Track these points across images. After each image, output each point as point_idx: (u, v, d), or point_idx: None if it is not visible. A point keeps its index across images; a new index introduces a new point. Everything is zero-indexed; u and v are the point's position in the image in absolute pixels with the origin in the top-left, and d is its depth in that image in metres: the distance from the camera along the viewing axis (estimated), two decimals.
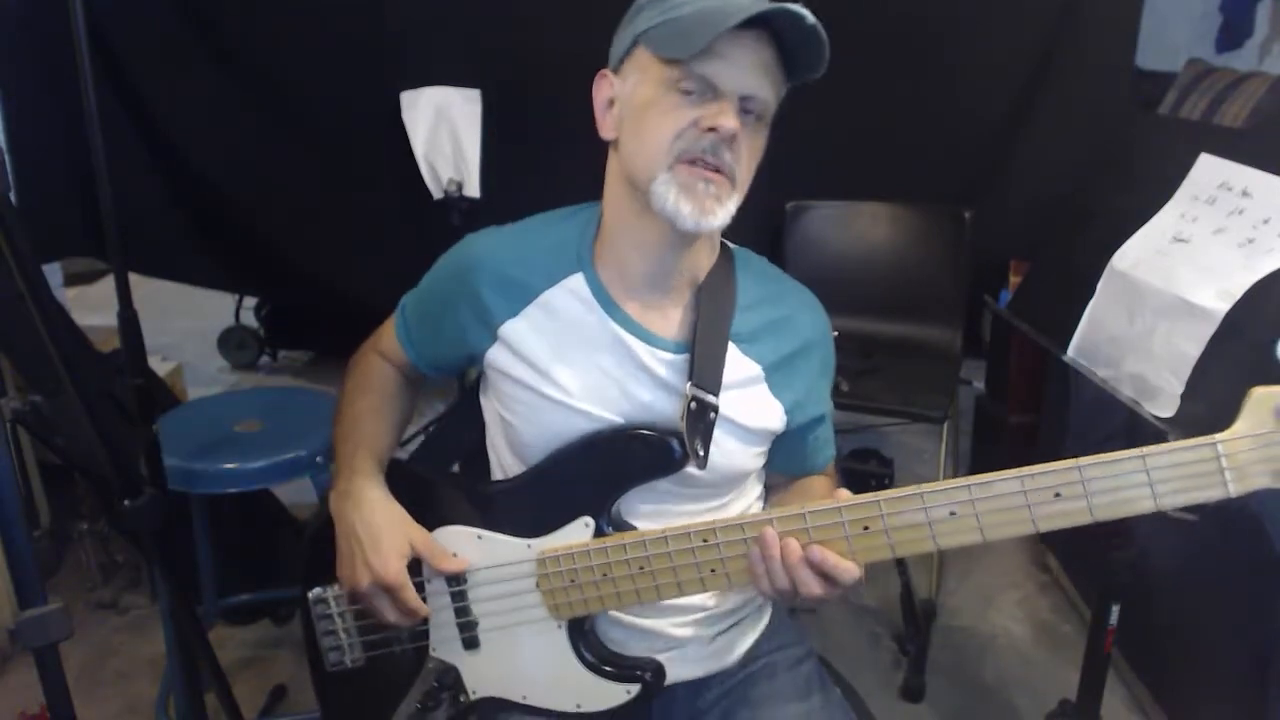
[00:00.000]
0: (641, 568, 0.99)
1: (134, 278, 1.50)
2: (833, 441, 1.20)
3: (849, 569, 0.90)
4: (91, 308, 2.97)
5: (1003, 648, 2.20)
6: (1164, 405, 1.15)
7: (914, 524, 0.88)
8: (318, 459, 1.79)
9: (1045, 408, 2.54)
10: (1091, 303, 1.28)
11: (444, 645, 1.11)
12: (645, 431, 1.03)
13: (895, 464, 2.15)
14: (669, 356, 1.04)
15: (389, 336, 1.21)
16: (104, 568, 2.36)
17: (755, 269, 1.12)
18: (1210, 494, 0.84)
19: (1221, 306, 1.09)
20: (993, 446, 2.78)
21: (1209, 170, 1.22)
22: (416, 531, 1.07)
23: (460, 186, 2.44)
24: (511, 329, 1.06)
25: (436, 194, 2.46)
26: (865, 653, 2.17)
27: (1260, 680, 1.57)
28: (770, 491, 1.20)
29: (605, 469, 1.04)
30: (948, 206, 2.47)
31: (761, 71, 0.95)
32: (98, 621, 2.27)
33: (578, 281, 1.06)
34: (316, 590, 1.13)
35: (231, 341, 3.87)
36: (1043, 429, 2.55)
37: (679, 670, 1.10)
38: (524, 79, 2.45)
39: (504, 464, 1.13)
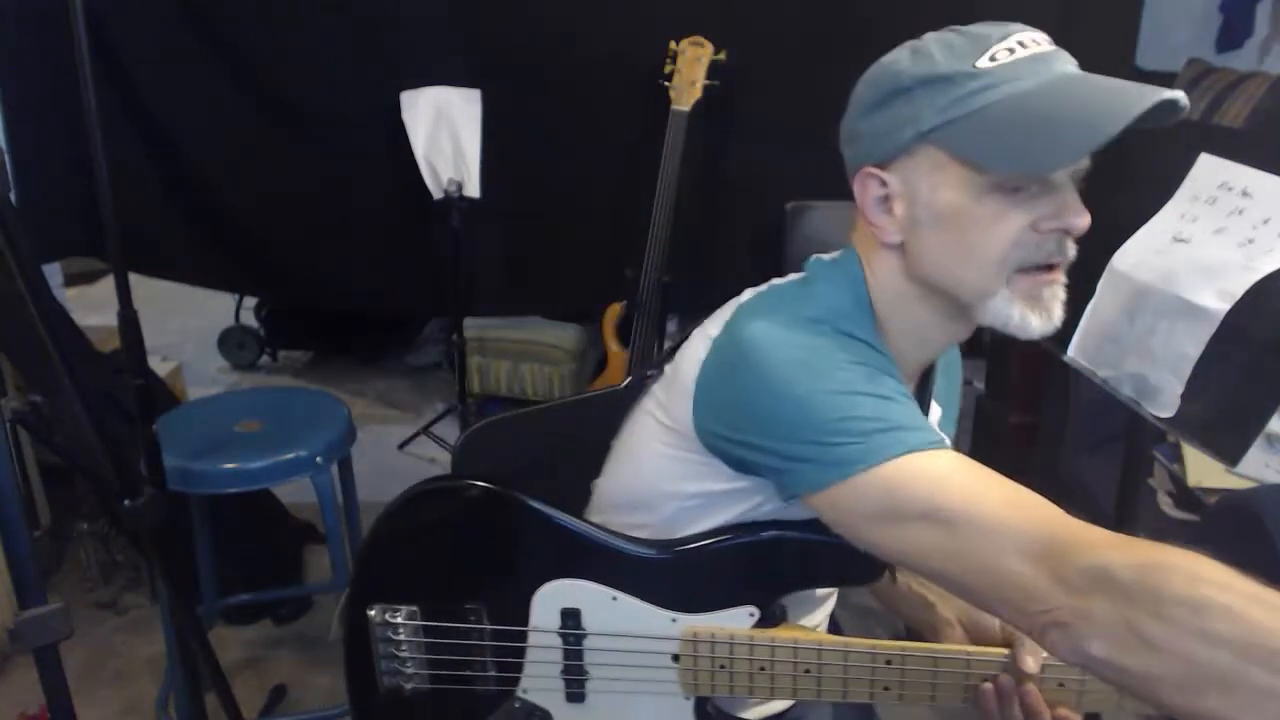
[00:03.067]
0: (807, 670, 0.95)
1: (134, 278, 1.50)
2: None
3: None
4: (91, 308, 2.97)
5: None
6: (1164, 405, 1.15)
7: (1107, 691, 0.88)
8: (318, 459, 1.79)
9: (1045, 408, 2.54)
10: (1091, 303, 1.28)
11: (539, 691, 1.05)
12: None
13: None
14: None
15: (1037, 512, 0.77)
16: (104, 568, 2.36)
17: None
18: None
19: (1221, 306, 1.09)
20: (993, 446, 2.77)
21: (1209, 170, 1.21)
22: None
23: (460, 186, 2.44)
24: None
25: (436, 194, 2.46)
26: None
27: None
28: None
29: (797, 567, 0.97)
30: None
31: None
32: (98, 621, 2.27)
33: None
34: (378, 611, 1.05)
35: (231, 341, 3.88)
36: (1043, 429, 2.55)
37: (775, 705, 1.09)
38: (524, 79, 2.45)
39: (680, 527, 0.99)
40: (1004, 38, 0.82)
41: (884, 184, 0.87)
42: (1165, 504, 1.98)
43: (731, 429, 0.88)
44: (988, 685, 0.91)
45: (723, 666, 0.98)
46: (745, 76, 2.34)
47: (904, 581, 1.16)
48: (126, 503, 1.18)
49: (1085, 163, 0.83)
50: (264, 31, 2.43)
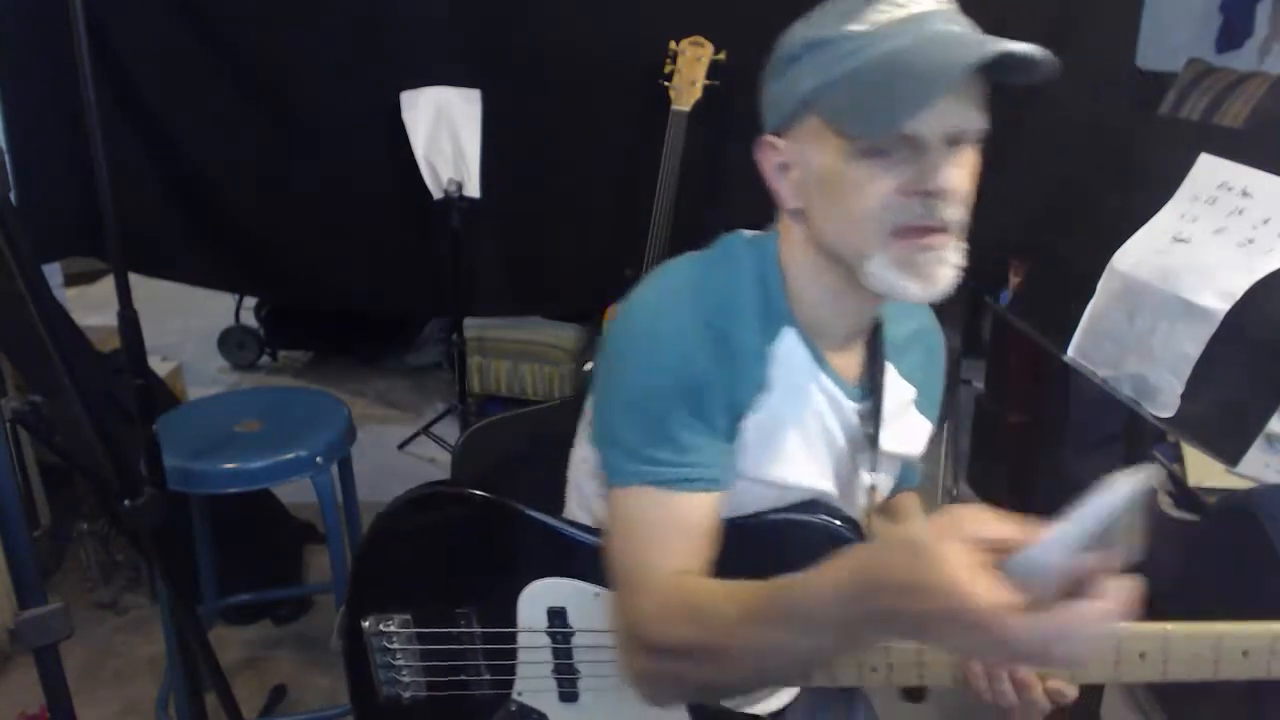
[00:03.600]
0: None
1: (134, 278, 1.50)
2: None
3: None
4: (91, 308, 2.97)
5: None
6: (1164, 405, 1.15)
7: (1100, 661, 0.85)
8: (318, 459, 1.79)
9: (1045, 408, 2.54)
10: (1091, 303, 1.28)
11: (534, 693, 1.05)
12: (835, 527, 0.94)
13: None
14: (857, 405, 0.97)
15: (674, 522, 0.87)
16: (104, 568, 2.36)
17: None
18: None
19: (1221, 306, 1.09)
20: (993, 446, 2.77)
21: (1209, 170, 1.21)
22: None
23: (460, 186, 2.44)
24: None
25: (436, 194, 2.46)
26: None
27: (1258, 679, 1.57)
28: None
29: (773, 554, 0.90)
30: None
31: (965, 100, 0.80)
32: (98, 621, 2.27)
33: (791, 338, 0.93)
34: (372, 622, 1.06)
35: (231, 341, 3.87)
36: (1043, 429, 2.55)
37: (772, 704, 1.08)
38: (524, 79, 2.45)
39: None
40: None
41: (780, 151, 0.88)
42: (1165, 504, 1.98)
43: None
44: (975, 662, 0.89)
45: None
46: (745, 76, 2.32)
47: None
48: (126, 503, 1.18)
49: (968, 123, 0.81)
50: (264, 31, 2.42)
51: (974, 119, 0.82)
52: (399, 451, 3.17)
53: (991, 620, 0.57)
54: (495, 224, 2.57)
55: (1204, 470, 1.92)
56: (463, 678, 1.06)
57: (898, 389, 1.01)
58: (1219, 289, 1.11)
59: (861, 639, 0.70)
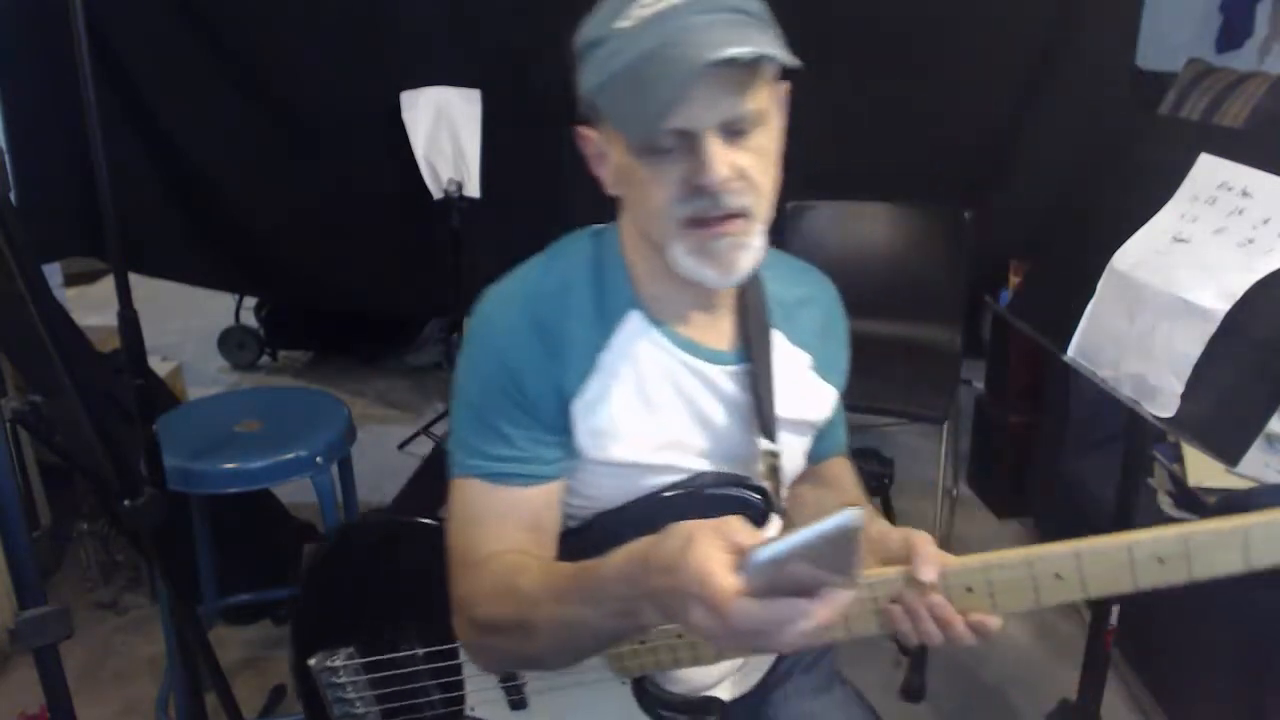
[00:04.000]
0: None
1: (134, 278, 1.50)
2: (844, 418, 1.16)
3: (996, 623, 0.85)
4: (91, 308, 2.97)
5: (1003, 648, 2.20)
6: (1164, 405, 1.15)
7: (1019, 588, 0.83)
8: (318, 459, 1.79)
9: (1045, 408, 2.54)
10: (1091, 303, 1.27)
11: (485, 705, 1.05)
12: (736, 493, 0.94)
13: (895, 464, 2.15)
14: (732, 369, 0.97)
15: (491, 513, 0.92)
16: (104, 568, 2.36)
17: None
18: None
19: (1221, 306, 1.09)
20: (993, 446, 2.77)
21: (1209, 170, 1.21)
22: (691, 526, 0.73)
23: (460, 186, 2.45)
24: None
25: (436, 194, 2.46)
26: (865, 652, 2.16)
27: (1258, 680, 1.57)
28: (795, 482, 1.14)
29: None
30: (948, 206, 2.47)
31: (731, 88, 0.79)
32: (98, 621, 2.27)
33: (636, 320, 0.94)
34: (318, 659, 1.06)
35: (231, 341, 3.87)
36: (1043, 429, 2.55)
37: (733, 690, 1.08)
38: (524, 79, 2.45)
39: None
40: None
41: (593, 141, 0.90)
42: (1165, 504, 1.98)
43: None
44: (895, 605, 0.85)
45: (643, 643, 0.93)
46: None
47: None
48: (126, 503, 1.18)
49: (739, 111, 0.80)
50: (264, 31, 2.43)
51: (742, 103, 0.80)
52: (399, 451, 3.17)
53: (721, 602, 0.65)
54: (495, 224, 2.57)
55: (1204, 470, 1.92)
56: (415, 701, 1.06)
57: (788, 355, 1.01)
58: (1219, 289, 1.11)
59: (640, 616, 0.76)
